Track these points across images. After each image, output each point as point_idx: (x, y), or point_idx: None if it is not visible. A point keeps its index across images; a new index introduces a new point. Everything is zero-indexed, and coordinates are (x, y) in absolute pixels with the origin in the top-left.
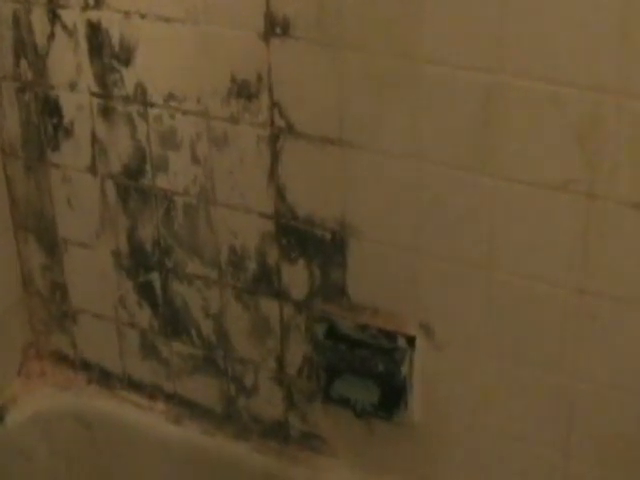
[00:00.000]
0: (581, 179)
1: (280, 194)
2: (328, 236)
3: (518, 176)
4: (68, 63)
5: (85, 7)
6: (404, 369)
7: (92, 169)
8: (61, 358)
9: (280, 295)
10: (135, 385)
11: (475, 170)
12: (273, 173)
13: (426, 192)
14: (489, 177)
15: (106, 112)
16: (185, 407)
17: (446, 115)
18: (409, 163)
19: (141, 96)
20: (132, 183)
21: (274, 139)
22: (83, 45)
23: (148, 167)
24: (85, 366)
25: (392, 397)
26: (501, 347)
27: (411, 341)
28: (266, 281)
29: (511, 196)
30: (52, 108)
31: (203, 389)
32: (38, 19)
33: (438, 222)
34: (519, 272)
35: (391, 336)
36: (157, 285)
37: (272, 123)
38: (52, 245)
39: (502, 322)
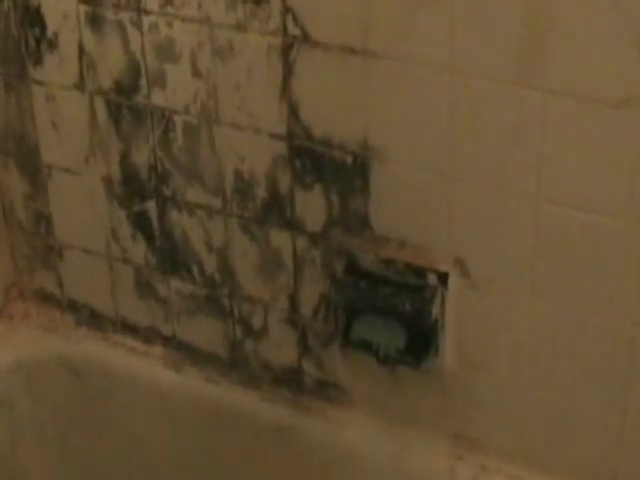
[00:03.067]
0: None
1: (293, 112)
2: (348, 159)
3: (571, 90)
4: None
5: None
6: (435, 309)
7: (79, 85)
8: (46, 298)
9: (293, 226)
10: (129, 328)
11: (520, 83)
12: (285, 88)
13: (463, 109)
14: (537, 91)
15: (95, 21)
16: (185, 352)
17: (487, 20)
18: (444, 75)
19: (134, 2)
20: (125, 101)
21: (287, 49)
22: None
23: (143, 82)
24: (73, 307)
25: (420, 341)
26: (549, 288)
27: (443, 278)
28: (277, 210)
29: (563, 113)
30: (33, 17)
31: (206, 332)
32: None
33: (476, 144)
34: (571, 202)
35: (420, 272)
36: (153, 215)
37: (284, 31)
38: (35, 171)
39: (551, 260)
